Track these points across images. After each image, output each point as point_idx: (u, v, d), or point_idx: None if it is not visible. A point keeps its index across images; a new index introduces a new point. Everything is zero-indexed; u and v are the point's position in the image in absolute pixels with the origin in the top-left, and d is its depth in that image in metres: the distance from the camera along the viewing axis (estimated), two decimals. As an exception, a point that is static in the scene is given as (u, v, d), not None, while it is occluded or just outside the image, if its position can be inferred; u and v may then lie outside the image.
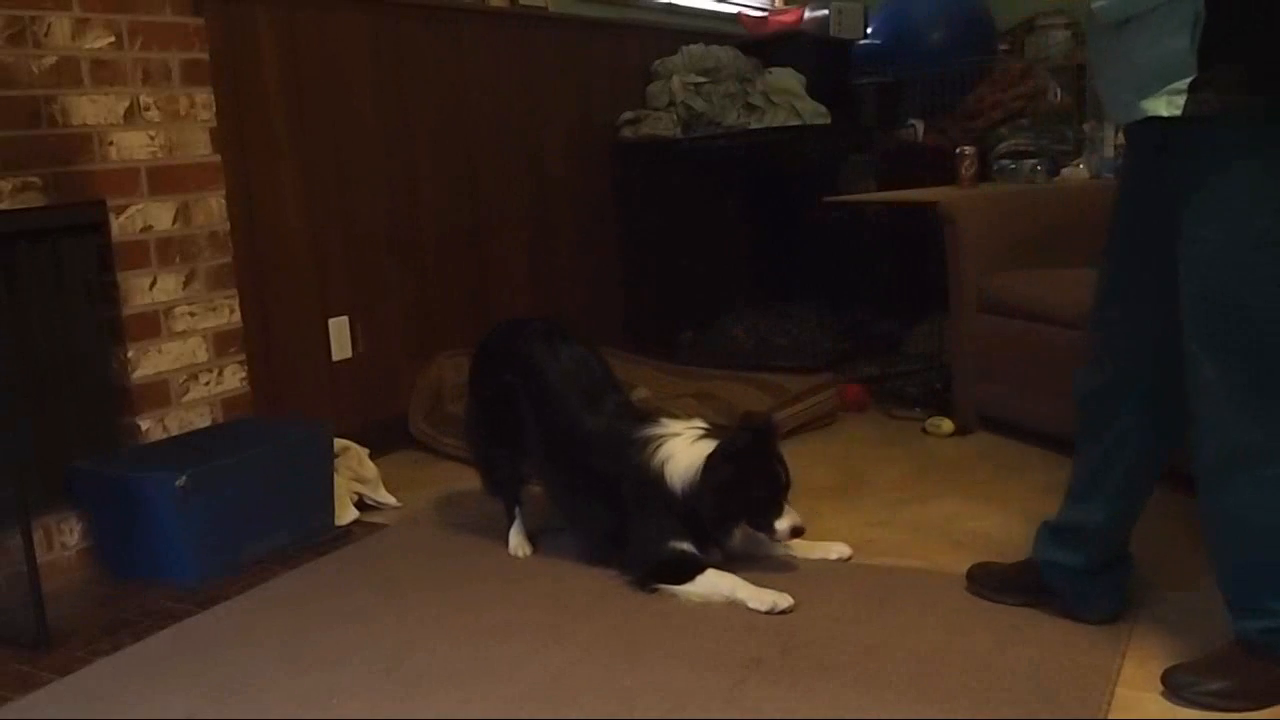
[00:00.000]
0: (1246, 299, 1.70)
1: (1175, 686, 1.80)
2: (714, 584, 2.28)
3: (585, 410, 2.47)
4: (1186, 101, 1.68)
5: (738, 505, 2.33)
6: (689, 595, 2.29)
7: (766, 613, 2.18)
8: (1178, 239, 1.77)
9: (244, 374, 3.00)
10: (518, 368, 2.56)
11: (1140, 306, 1.90)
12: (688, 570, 2.31)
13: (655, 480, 2.33)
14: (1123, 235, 1.95)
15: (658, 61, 4.52)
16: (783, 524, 2.32)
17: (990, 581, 2.20)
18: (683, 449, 2.35)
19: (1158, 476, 2.03)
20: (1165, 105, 1.70)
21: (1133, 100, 1.76)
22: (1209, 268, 1.73)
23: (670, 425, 2.42)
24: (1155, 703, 1.80)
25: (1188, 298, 1.77)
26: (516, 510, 2.64)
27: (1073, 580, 2.07)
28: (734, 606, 2.23)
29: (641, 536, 2.37)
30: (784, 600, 2.20)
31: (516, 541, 2.62)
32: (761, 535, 2.37)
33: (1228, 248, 1.70)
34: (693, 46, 4.55)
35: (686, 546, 2.33)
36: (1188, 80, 1.67)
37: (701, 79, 4.45)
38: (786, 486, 2.35)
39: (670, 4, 4.85)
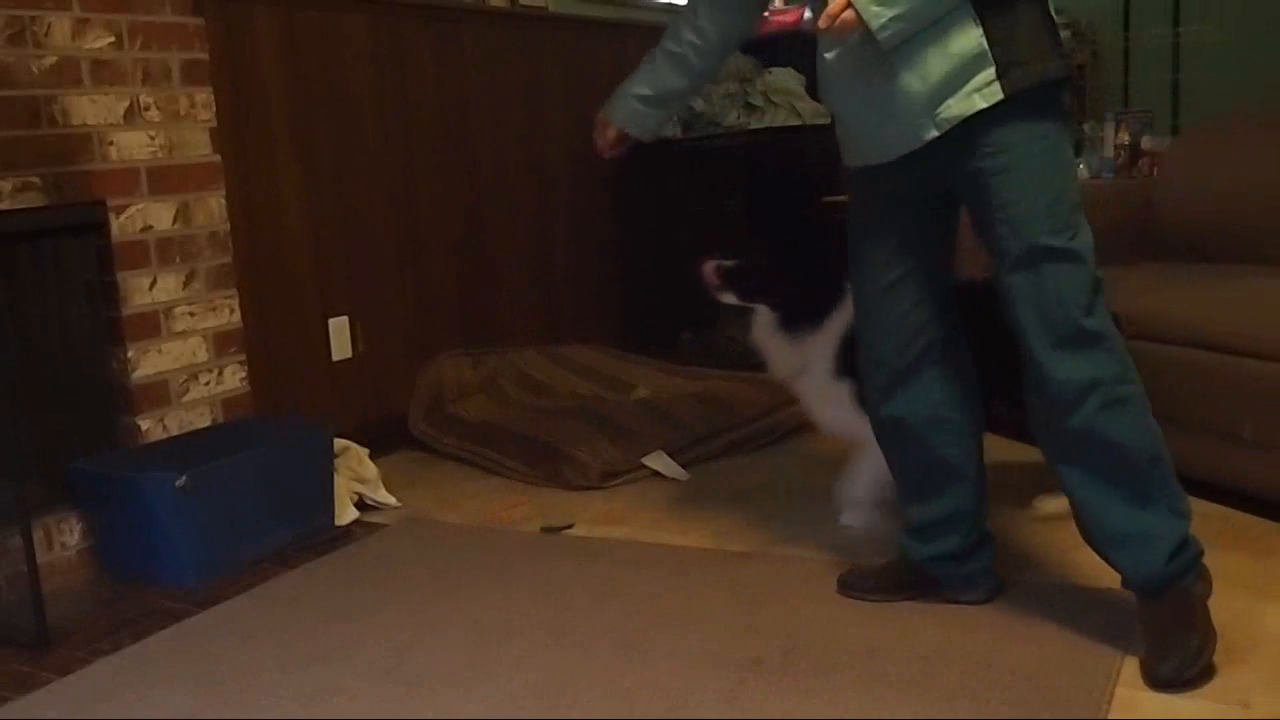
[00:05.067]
0: (1052, 251, 1.86)
1: (1164, 685, 1.82)
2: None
3: None
4: (1003, 85, 1.84)
5: None
6: None
7: None
8: (982, 218, 1.94)
9: (244, 374, 3.00)
10: None
11: (907, 300, 2.07)
12: None
13: None
14: (872, 252, 2.09)
15: (658, 61, 4.52)
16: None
17: (864, 584, 2.26)
18: None
19: (982, 429, 2.20)
20: (981, 98, 1.85)
21: (924, 117, 1.89)
22: (1023, 227, 1.87)
23: None
24: (1155, 702, 1.80)
25: (1007, 262, 1.90)
26: None
27: (953, 566, 2.17)
28: (735, 606, 2.24)
29: None
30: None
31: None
32: None
33: (1038, 205, 1.87)
34: (693, 47, 4.54)
35: None
36: (991, 69, 1.84)
37: (701, 79, 4.45)
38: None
39: (670, 4, 4.85)
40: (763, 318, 2.61)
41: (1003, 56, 1.84)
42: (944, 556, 2.17)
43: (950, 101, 1.86)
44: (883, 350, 2.12)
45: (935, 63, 1.86)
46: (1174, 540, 1.90)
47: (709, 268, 2.64)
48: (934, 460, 2.14)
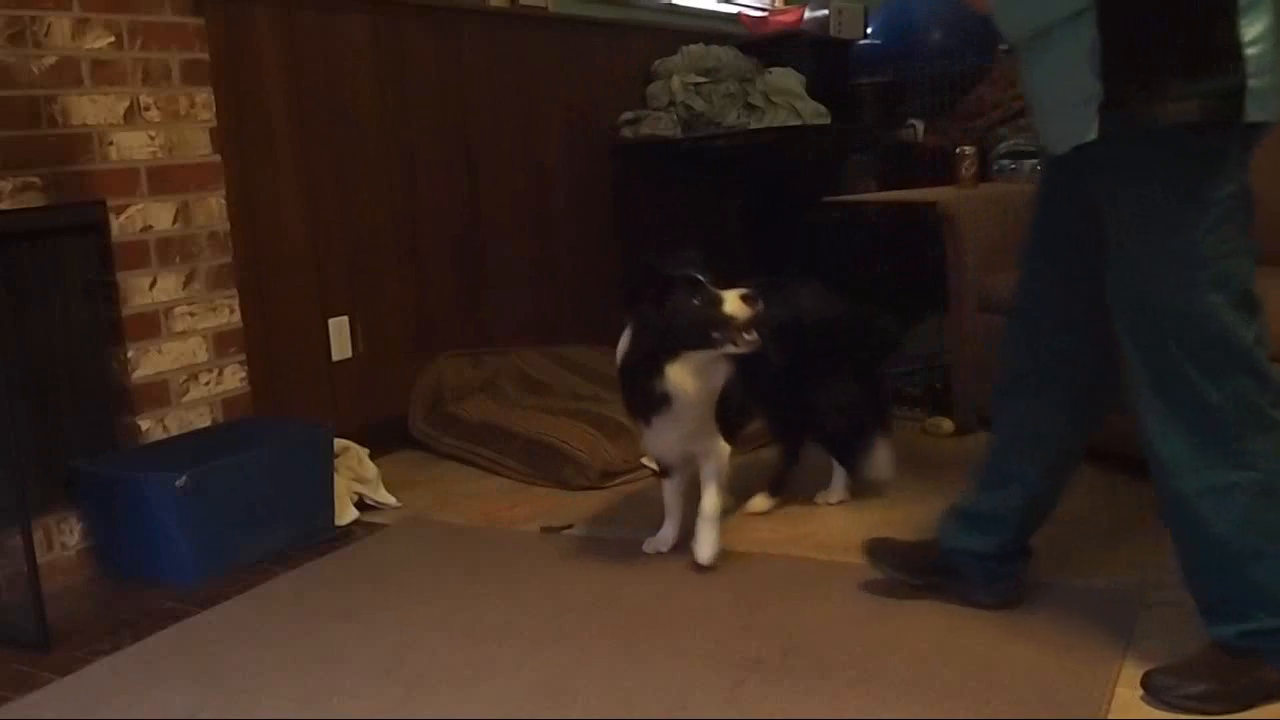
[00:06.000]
0: (1166, 309, 1.72)
1: (1155, 690, 1.79)
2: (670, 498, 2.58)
3: None
4: (1101, 121, 1.70)
5: (671, 338, 2.27)
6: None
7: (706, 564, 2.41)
8: (1104, 248, 1.80)
9: (244, 374, 3.00)
10: None
11: (1061, 308, 1.98)
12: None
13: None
14: (1043, 242, 2.01)
15: (658, 61, 4.52)
16: (730, 306, 2.22)
17: (890, 558, 2.23)
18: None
19: (1074, 469, 2.11)
20: (1090, 130, 1.73)
21: (1054, 126, 1.82)
22: (1132, 278, 1.76)
23: None
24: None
25: (1116, 305, 1.80)
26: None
27: (980, 565, 2.12)
28: (735, 606, 2.23)
29: None
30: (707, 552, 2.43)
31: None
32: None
33: (1149, 259, 1.73)
34: (693, 46, 4.55)
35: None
36: (1096, 100, 1.70)
37: (701, 79, 4.45)
38: (713, 293, 2.24)
39: (670, 4, 4.85)
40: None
41: (1112, 88, 1.67)
42: (972, 553, 2.13)
43: (1067, 123, 1.76)
44: (1017, 340, 2.06)
45: (1056, 75, 1.76)
46: (1256, 625, 1.75)
47: (750, 294, 2.24)
48: (1010, 460, 2.08)
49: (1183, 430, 1.74)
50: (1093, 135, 1.72)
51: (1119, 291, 1.79)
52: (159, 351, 2.79)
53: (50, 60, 2.53)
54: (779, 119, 4.45)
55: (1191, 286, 1.70)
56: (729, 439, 2.53)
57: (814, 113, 4.53)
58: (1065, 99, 1.76)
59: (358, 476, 2.99)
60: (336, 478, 2.88)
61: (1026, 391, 2.05)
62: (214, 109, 2.90)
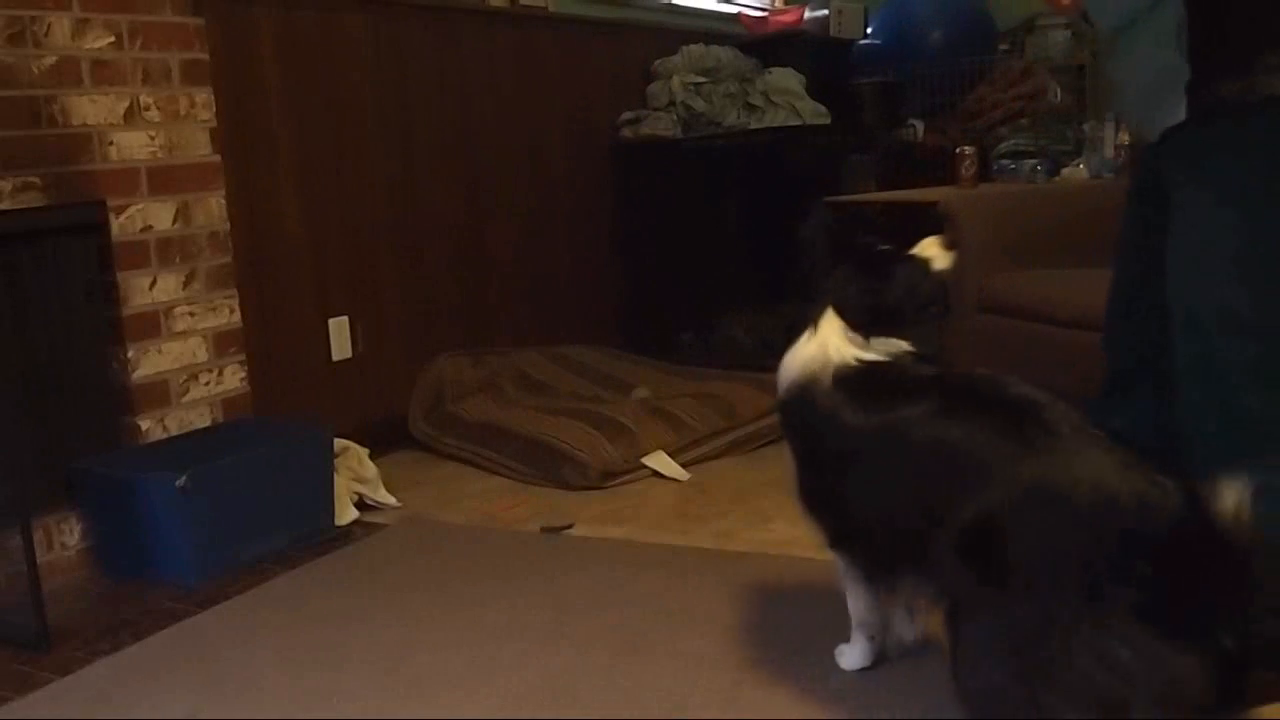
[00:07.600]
0: (1220, 308, 1.64)
1: None
2: None
3: None
4: (1189, 102, 1.65)
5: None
6: None
7: None
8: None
9: (244, 374, 3.00)
10: None
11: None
12: None
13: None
14: (1132, 254, 1.88)
15: (658, 61, 4.52)
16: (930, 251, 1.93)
17: None
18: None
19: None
20: (1179, 111, 1.67)
21: (1154, 113, 1.75)
22: (1176, 270, 1.68)
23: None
24: (1155, 703, 1.80)
25: (1173, 298, 1.71)
26: None
27: None
28: (735, 606, 2.24)
29: None
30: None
31: None
32: None
33: (1217, 252, 1.64)
34: (693, 46, 4.55)
35: None
36: (1186, 83, 1.65)
37: (701, 79, 4.45)
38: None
39: (670, 4, 4.85)
40: None
41: (1200, 67, 1.60)
42: None
43: (1154, 109, 1.71)
44: (1113, 333, 1.93)
45: (1145, 59, 1.70)
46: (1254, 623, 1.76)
47: None
48: None
49: (1216, 428, 1.67)
50: (1181, 117, 1.65)
51: (1178, 284, 1.68)
52: (159, 351, 2.79)
53: (50, 60, 2.53)
54: (779, 119, 4.46)
55: (1262, 285, 1.59)
56: None
57: (814, 113, 4.53)
58: (1155, 83, 1.70)
59: (358, 476, 2.99)
60: (336, 478, 2.88)
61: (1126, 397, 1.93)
62: (214, 109, 2.90)
